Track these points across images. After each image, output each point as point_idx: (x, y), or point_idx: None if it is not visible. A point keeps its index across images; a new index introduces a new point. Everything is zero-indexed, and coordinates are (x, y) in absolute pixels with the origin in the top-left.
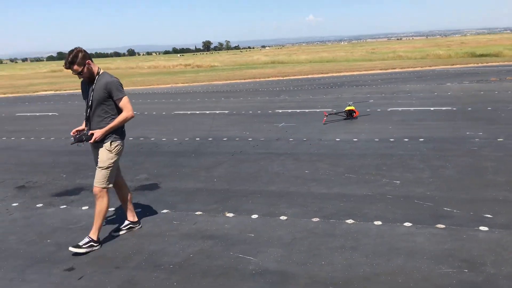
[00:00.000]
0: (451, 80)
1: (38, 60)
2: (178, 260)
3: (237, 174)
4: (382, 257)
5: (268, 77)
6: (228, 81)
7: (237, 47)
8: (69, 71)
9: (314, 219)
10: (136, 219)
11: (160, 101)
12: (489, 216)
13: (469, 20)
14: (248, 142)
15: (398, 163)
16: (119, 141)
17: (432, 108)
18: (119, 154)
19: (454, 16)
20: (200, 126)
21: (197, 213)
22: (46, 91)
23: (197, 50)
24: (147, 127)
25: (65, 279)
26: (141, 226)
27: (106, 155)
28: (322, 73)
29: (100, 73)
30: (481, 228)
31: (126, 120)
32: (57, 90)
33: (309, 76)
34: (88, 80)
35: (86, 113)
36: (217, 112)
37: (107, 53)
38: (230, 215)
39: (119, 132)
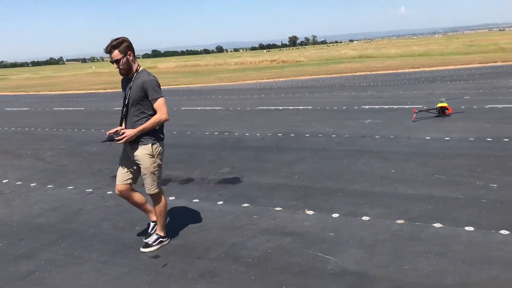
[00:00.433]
0: None
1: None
2: (257, 254)
3: (318, 171)
4: (474, 266)
5: (355, 72)
6: (313, 76)
7: (323, 42)
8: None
9: (399, 221)
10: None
11: (245, 97)
12: None
13: None
14: (331, 139)
15: (495, 165)
16: (157, 143)
17: None
18: (161, 155)
19: None
20: (283, 122)
21: (277, 208)
22: None
23: (283, 45)
24: (231, 122)
25: (151, 265)
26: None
27: (148, 160)
28: (413, 68)
29: (139, 70)
30: None
31: (159, 123)
32: None
33: (399, 70)
34: (126, 75)
35: (122, 112)
36: (301, 107)
37: (197, 50)
38: (310, 212)
39: (156, 134)
